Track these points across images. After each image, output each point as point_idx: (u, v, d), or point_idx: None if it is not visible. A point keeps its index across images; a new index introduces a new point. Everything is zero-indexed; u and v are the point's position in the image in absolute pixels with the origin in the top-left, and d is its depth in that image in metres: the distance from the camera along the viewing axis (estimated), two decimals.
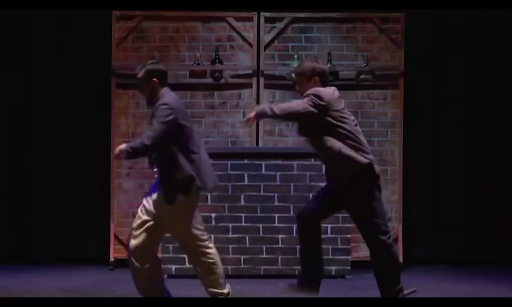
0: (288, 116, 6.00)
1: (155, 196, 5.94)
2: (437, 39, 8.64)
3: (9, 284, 7.35)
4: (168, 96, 5.95)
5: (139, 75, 6.03)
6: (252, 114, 5.91)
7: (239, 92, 8.41)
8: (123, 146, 5.79)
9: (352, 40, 8.49)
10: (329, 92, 5.98)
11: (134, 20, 8.41)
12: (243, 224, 7.78)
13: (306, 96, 5.93)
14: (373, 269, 6.08)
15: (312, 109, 5.87)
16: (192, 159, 5.88)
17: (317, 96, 5.89)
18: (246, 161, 7.86)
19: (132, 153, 5.80)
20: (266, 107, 5.96)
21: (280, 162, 7.86)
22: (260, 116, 5.99)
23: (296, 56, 8.36)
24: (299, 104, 5.91)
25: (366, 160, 5.93)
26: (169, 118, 5.81)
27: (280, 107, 5.91)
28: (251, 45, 8.43)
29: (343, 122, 5.94)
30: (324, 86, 6.05)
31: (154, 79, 5.98)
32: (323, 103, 5.88)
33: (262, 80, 8.38)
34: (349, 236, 7.86)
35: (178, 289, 7.00)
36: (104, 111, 8.42)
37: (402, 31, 8.40)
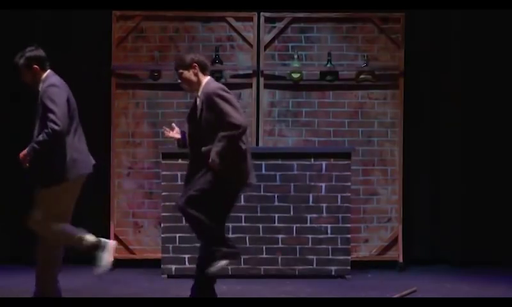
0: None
1: None
2: (437, 39, 8.64)
3: (9, 284, 7.35)
4: (53, 78, 6.10)
5: (20, 63, 6.10)
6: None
7: (239, 92, 8.40)
8: (26, 150, 5.98)
9: (352, 40, 8.49)
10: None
11: (134, 20, 8.41)
12: (243, 224, 7.77)
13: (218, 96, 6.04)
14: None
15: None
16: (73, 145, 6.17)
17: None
18: None
19: (41, 149, 5.92)
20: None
21: (279, 162, 7.85)
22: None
23: (296, 56, 8.36)
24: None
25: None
26: (60, 93, 5.98)
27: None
28: (251, 45, 8.43)
29: None
30: (205, 75, 6.21)
31: (35, 66, 6.09)
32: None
33: (262, 80, 8.38)
34: (349, 236, 7.86)
35: (178, 289, 7.00)
36: (103, 111, 8.42)
37: (402, 31, 8.40)
